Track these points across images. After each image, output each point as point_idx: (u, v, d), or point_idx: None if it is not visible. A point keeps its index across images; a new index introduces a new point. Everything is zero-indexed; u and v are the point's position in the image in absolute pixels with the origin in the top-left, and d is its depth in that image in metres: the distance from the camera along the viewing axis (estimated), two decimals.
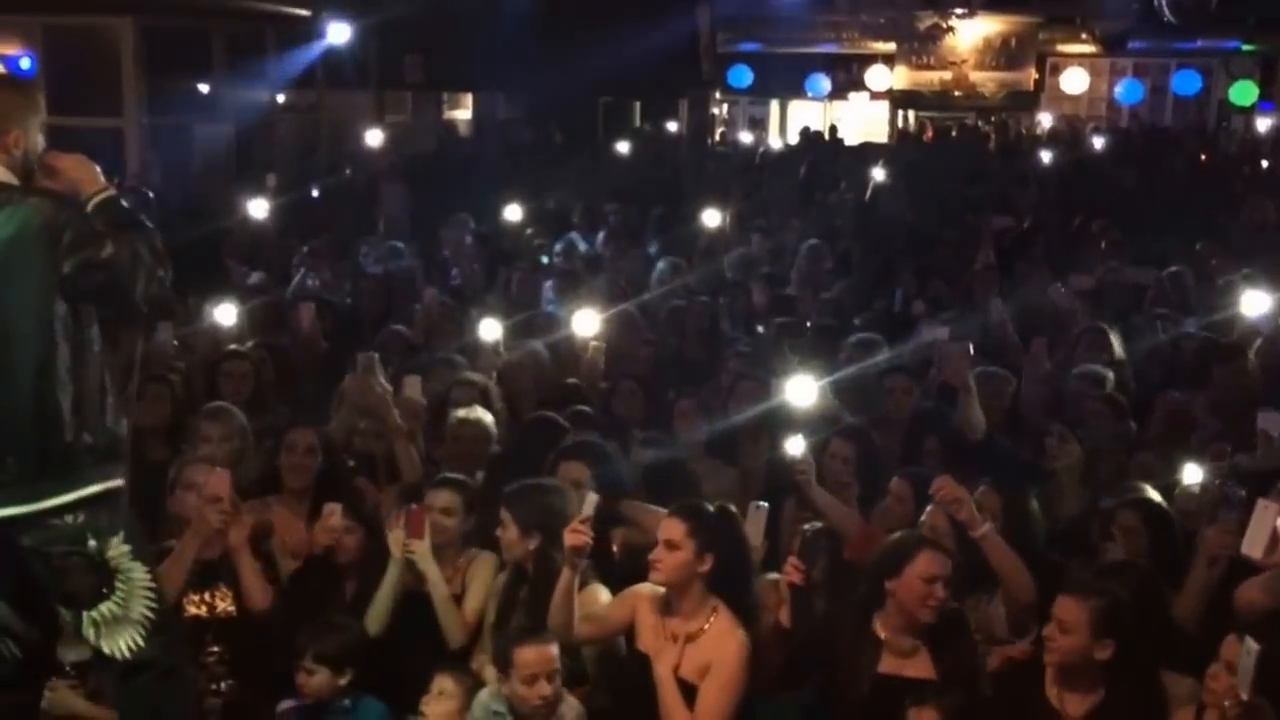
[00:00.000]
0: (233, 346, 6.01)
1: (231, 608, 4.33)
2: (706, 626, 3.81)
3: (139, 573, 3.39)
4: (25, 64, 12.30)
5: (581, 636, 3.97)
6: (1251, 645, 3.23)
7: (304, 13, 13.56)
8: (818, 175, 14.31)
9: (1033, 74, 21.28)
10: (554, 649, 3.79)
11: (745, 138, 20.15)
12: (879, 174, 12.41)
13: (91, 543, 3.30)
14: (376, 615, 4.33)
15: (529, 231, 10.11)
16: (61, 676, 4.02)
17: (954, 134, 20.05)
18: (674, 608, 3.85)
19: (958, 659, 3.83)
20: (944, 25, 20.80)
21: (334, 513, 4.47)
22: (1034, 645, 3.83)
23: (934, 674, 3.80)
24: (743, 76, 21.46)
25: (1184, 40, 20.24)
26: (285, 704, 4.12)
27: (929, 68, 21.30)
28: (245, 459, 5.02)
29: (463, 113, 19.41)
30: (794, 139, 19.47)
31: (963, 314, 7.36)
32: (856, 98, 22.12)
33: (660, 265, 8.63)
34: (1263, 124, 18.87)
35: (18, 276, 3.17)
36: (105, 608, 3.33)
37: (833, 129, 20.13)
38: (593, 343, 6.11)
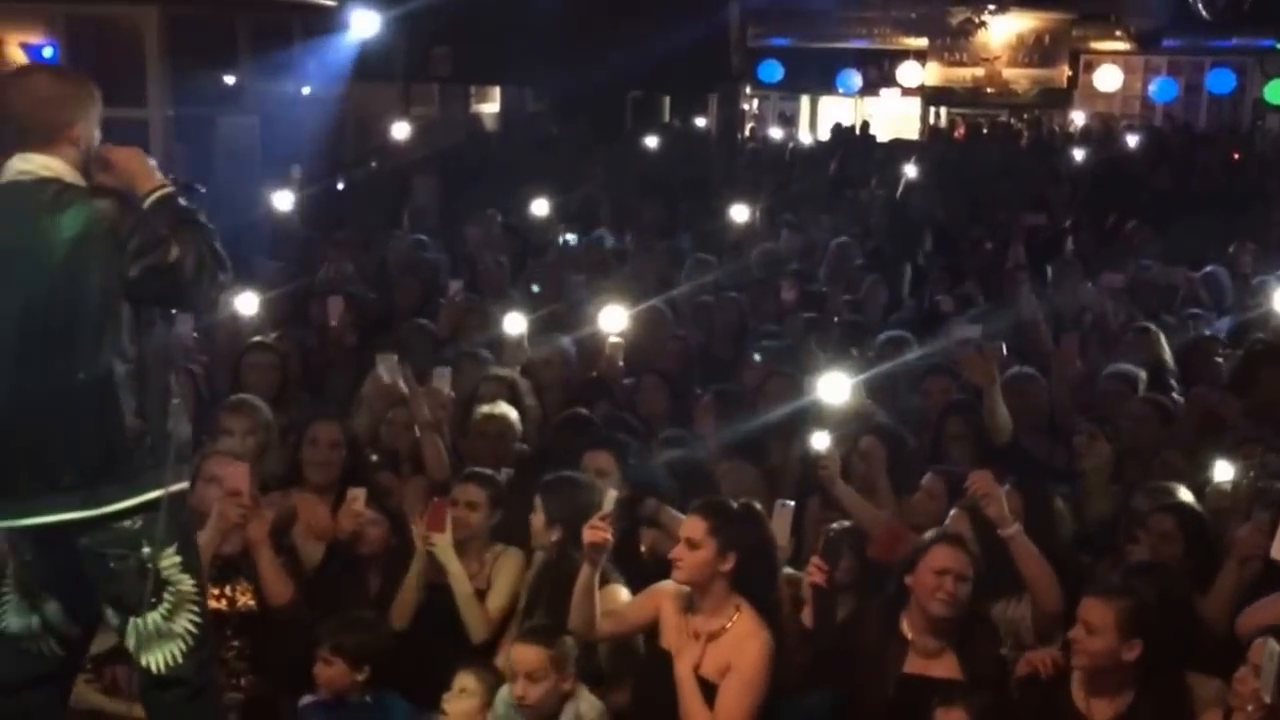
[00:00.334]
0: (257, 339, 5.97)
1: (252, 602, 4.31)
2: (729, 625, 3.77)
3: (187, 586, 3.36)
4: (48, 53, 12.30)
5: (604, 633, 3.95)
6: (1274, 647, 3.19)
7: (330, 2, 13.56)
8: (848, 172, 14.23)
9: (1066, 71, 21.10)
10: (542, 651, 3.74)
11: (775, 133, 20.07)
12: (910, 171, 12.32)
13: (145, 549, 3.28)
14: (400, 610, 4.32)
15: (557, 225, 10.07)
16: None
17: (985, 131, 19.91)
18: (696, 606, 3.82)
19: (985, 660, 3.80)
20: (975, 21, 20.65)
21: (357, 498, 4.47)
22: (1061, 651, 3.77)
23: (960, 675, 3.76)
24: (773, 72, 21.37)
25: (1219, 38, 20.02)
26: (306, 699, 4.10)
27: (961, 64, 21.16)
28: (268, 453, 4.99)
29: (490, 106, 19.39)
30: (824, 135, 19.38)
31: (994, 312, 7.29)
32: (888, 94, 22.00)
33: (689, 261, 8.58)
34: None
35: (83, 279, 3.14)
36: (151, 618, 3.31)
37: (864, 125, 20.02)
38: (612, 338, 6.07)
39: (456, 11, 14.34)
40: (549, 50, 14.96)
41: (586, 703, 3.81)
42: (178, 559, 3.34)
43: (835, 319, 7.31)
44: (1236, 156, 15.51)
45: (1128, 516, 4.55)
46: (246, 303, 6.32)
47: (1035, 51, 20.99)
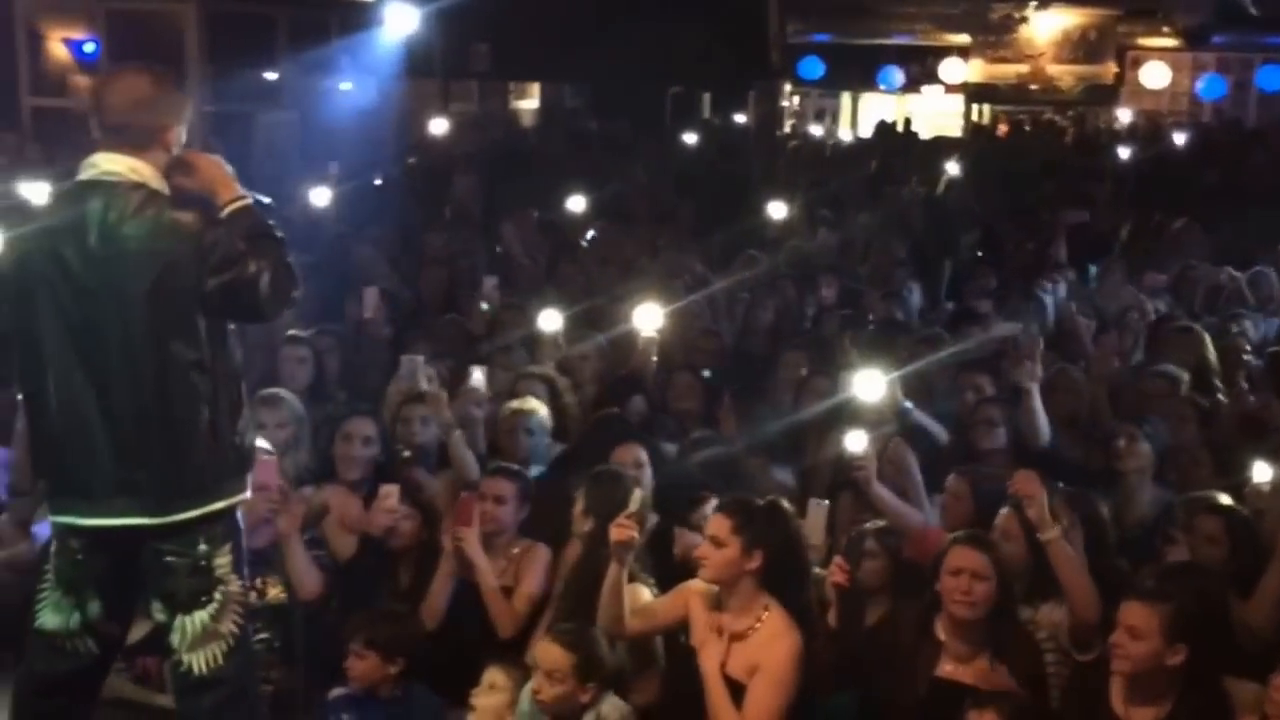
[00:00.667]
0: (291, 332, 5.99)
1: (282, 595, 4.32)
2: (757, 625, 3.73)
3: (235, 587, 3.40)
4: (89, 48, 12.45)
5: (634, 630, 3.92)
6: None
7: None
8: (889, 169, 14.12)
9: (1112, 68, 20.82)
10: (565, 653, 3.72)
11: (815, 130, 19.95)
12: (952, 168, 12.22)
13: (202, 547, 3.33)
14: (430, 608, 4.31)
15: (594, 222, 10.05)
16: None
17: (1029, 128, 19.68)
18: (725, 605, 3.78)
19: (1020, 665, 3.74)
20: (1016, 16, 20.42)
21: (391, 494, 4.46)
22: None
23: (993, 680, 3.70)
24: (814, 68, 21.23)
25: (1268, 34, 19.69)
26: (336, 692, 4.10)
27: (1005, 61, 20.92)
28: (301, 447, 5.00)
29: (529, 102, 19.42)
30: (865, 132, 19.24)
31: (1033, 310, 7.20)
32: (930, 91, 21.81)
33: (741, 258, 8.52)
34: None
35: (164, 290, 3.18)
36: (199, 617, 3.34)
37: (907, 122, 19.85)
38: (644, 335, 6.05)
39: (495, 8, 14.37)
40: (588, 46, 14.96)
41: (609, 704, 3.78)
42: (230, 559, 3.39)
43: (869, 317, 7.25)
44: None
45: (1168, 519, 4.48)
46: None
47: (1080, 48, 20.73)
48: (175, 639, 3.37)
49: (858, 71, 21.40)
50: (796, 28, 20.66)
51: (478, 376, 5.26)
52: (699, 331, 6.85)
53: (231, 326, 3.38)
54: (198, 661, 3.36)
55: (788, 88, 21.96)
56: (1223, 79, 20.86)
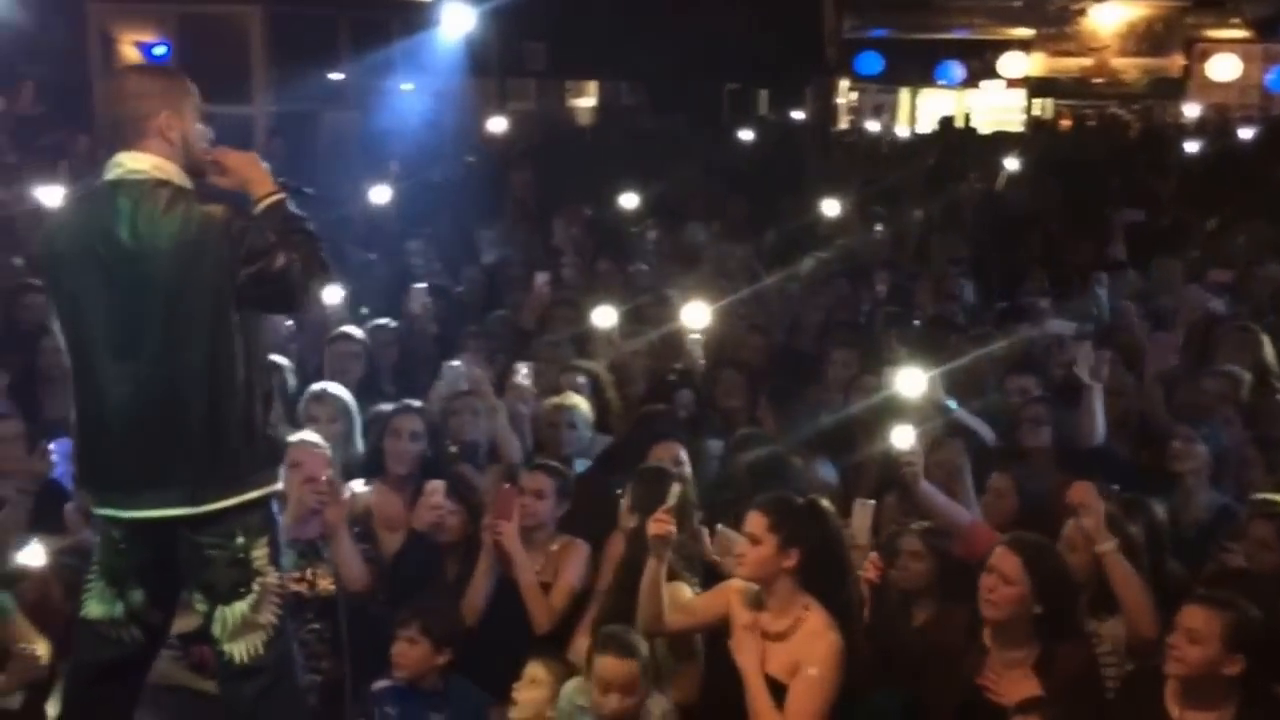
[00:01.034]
0: (343, 328, 6.07)
1: (331, 586, 4.37)
2: (798, 625, 3.71)
3: (272, 578, 3.45)
4: (160, 51, 12.68)
5: (674, 627, 3.92)
6: None
7: None
8: (947, 165, 13.98)
9: (1179, 60, 20.46)
10: (633, 664, 3.70)
11: (872, 126, 19.82)
12: (1011, 164, 12.07)
13: (240, 539, 3.38)
14: (471, 603, 4.35)
15: (645, 218, 10.06)
16: (166, 648, 4.10)
17: (1091, 123, 19.38)
18: (765, 604, 3.77)
19: (1067, 675, 3.67)
20: (1074, 8, 20.12)
21: (436, 491, 4.50)
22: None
23: (1039, 688, 3.64)
24: (873, 63, 21.10)
25: None
26: (379, 684, 4.14)
27: (1068, 54, 20.66)
28: (351, 441, 5.06)
29: (587, 100, 19.48)
30: (923, 128, 19.07)
31: (1089, 309, 7.11)
32: (990, 86, 21.55)
33: (808, 261, 8.50)
34: None
35: (195, 283, 3.23)
36: (238, 608, 3.40)
37: (966, 117, 19.66)
38: (691, 334, 6.05)
39: (550, 6, 14.42)
40: (644, 43, 14.96)
41: (652, 699, 3.79)
42: (267, 551, 3.43)
43: (916, 314, 7.19)
44: None
45: (1223, 524, 4.41)
46: (333, 293, 6.43)
47: (1146, 40, 20.42)
48: (216, 629, 3.43)
49: (916, 67, 21.23)
50: (853, 23, 20.54)
51: (523, 372, 5.29)
52: (746, 328, 6.84)
53: (269, 320, 3.44)
54: (238, 651, 3.42)
55: (845, 84, 21.84)
56: None
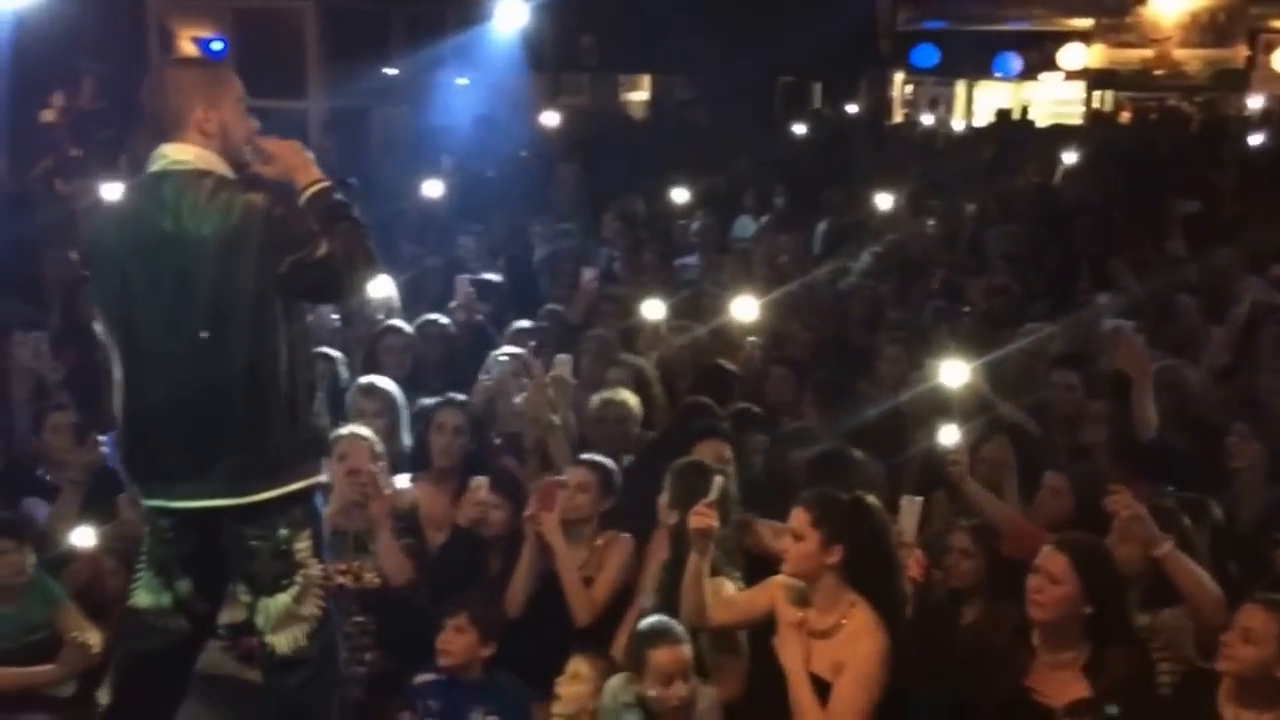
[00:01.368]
0: (391, 322, 6.09)
1: (376, 579, 4.41)
2: (843, 621, 3.68)
3: (315, 570, 3.47)
4: (217, 46, 12.86)
5: (719, 622, 3.91)
6: None
7: None
8: (1003, 158, 13.81)
9: (1243, 51, 20.03)
10: (686, 649, 3.72)
11: (926, 119, 19.62)
12: (1069, 157, 11.89)
13: (283, 531, 3.40)
14: (513, 597, 4.35)
15: (694, 212, 10.04)
16: (215, 638, 4.13)
17: (1152, 116, 19.05)
18: (810, 601, 3.74)
19: (1117, 674, 3.61)
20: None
21: (481, 486, 4.52)
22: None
23: (1089, 688, 3.59)
24: (929, 55, 20.84)
25: None
26: (422, 677, 4.15)
27: (1128, 45, 20.28)
28: (398, 434, 5.09)
29: (640, 94, 19.46)
30: (980, 121, 18.84)
31: (1146, 302, 6.99)
32: (1048, 78, 21.23)
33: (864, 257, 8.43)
34: None
35: (238, 272, 3.24)
36: (281, 600, 3.42)
37: (1024, 110, 19.38)
38: (749, 339, 6.00)
39: (604, 1, 14.42)
40: (696, 37, 14.92)
41: (700, 691, 3.80)
42: (310, 543, 3.45)
43: (966, 308, 7.11)
44: None
45: (1276, 522, 4.33)
46: (382, 286, 6.46)
47: (1209, 31, 19.99)
48: (260, 620, 3.46)
49: (973, 59, 20.91)
50: (909, 15, 20.32)
51: (563, 362, 5.28)
52: (794, 322, 6.79)
53: (312, 310, 3.43)
54: (281, 642, 3.45)
55: (900, 77, 21.62)
56: None
